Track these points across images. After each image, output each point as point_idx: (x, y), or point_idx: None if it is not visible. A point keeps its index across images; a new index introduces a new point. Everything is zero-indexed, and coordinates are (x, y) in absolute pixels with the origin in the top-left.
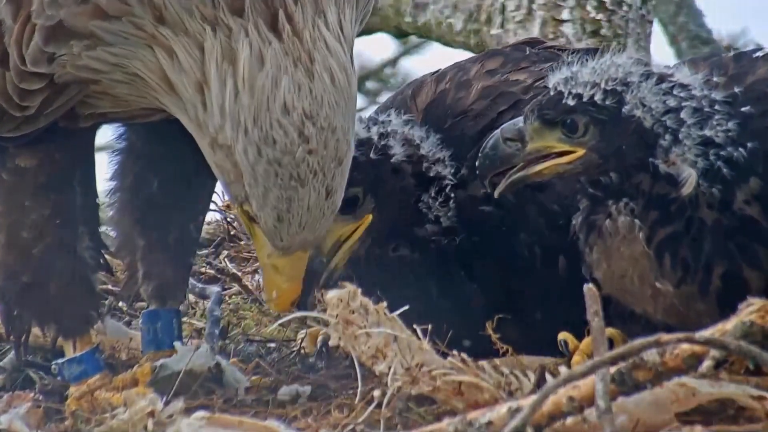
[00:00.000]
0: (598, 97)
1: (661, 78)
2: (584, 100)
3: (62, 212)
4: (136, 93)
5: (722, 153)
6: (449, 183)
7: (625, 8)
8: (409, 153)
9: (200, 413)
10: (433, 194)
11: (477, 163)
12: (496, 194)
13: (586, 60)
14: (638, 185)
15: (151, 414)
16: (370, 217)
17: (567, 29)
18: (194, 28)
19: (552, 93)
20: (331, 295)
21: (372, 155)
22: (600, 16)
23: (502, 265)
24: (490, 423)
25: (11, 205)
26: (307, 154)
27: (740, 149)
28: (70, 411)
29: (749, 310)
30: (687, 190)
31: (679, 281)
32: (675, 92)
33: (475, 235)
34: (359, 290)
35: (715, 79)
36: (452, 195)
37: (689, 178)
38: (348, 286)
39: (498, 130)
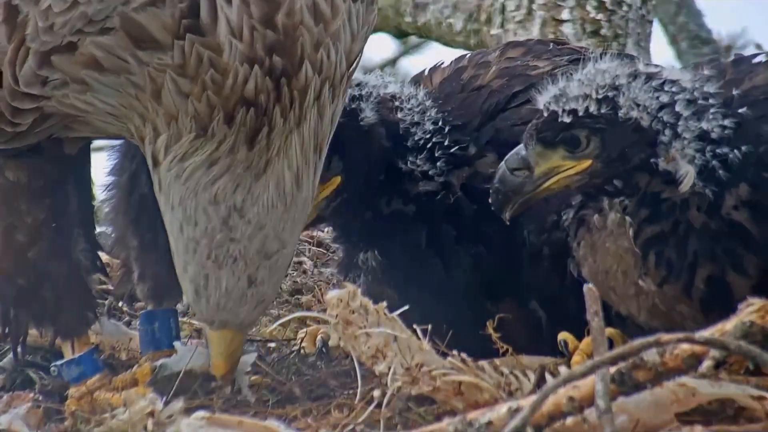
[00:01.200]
0: (592, 108)
1: (649, 76)
2: (580, 114)
3: (57, 216)
4: (126, 134)
5: (718, 151)
6: (433, 142)
7: (625, 8)
8: (383, 116)
9: (200, 413)
10: (416, 154)
11: (490, 199)
12: (508, 216)
13: (571, 74)
14: (636, 183)
15: (151, 414)
16: (339, 179)
17: (567, 29)
18: (184, 124)
19: (545, 114)
20: (331, 295)
21: (340, 118)
22: (600, 16)
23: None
24: (490, 423)
25: (6, 208)
26: (229, 241)
27: (735, 151)
28: (69, 411)
29: (749, 310)
30: (685, 187)
31: (662, 280)
32: (666, 88)
33: (478, 214)
34: (359, 290)
35: (705, 72)
36: (438, 153)
37: (686, 175)
38: (348, 286)
39: (503, 163)
